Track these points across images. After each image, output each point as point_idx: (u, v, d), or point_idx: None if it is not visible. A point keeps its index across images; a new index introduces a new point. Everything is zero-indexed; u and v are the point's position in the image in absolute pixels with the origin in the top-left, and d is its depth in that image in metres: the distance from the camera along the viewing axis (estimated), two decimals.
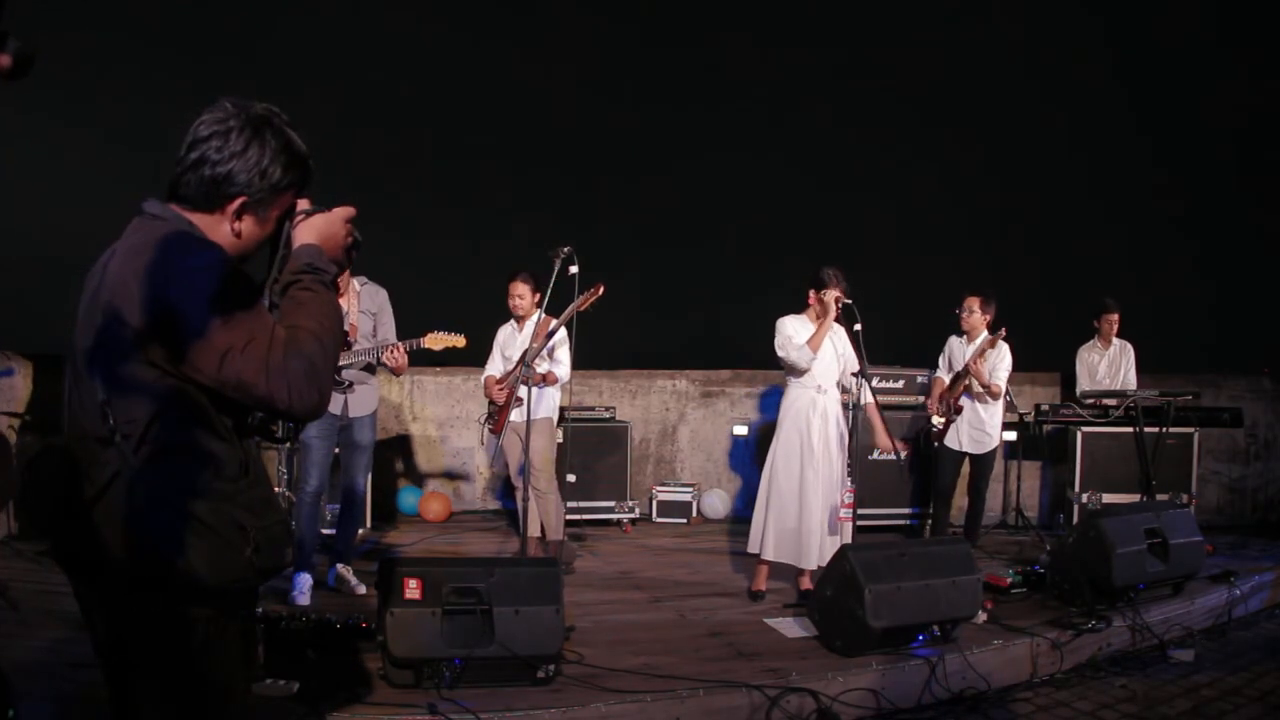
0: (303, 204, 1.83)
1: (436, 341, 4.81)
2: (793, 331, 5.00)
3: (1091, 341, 7.28)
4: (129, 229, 1.71)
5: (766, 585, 5.13)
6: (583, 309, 5.00)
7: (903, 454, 5.37)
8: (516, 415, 5.34)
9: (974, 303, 6.22)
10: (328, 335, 1.69)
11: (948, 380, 6.38)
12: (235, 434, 1.71)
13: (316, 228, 1.80)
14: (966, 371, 6.16)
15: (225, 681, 1.75)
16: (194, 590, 1.63)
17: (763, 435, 7.88)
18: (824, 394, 5.01)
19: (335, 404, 4.77)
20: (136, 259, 1.60)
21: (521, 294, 5.46)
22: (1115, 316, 7.15)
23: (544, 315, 5.26)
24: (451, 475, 7.66)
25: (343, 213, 1.85)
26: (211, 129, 1.69)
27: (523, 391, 4.92)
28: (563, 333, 5.30)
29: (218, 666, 1.72)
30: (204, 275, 1.58)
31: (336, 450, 4.97)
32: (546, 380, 5.28)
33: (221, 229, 1.72)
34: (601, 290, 4.96)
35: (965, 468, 6.39)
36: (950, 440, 6.28)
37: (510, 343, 5.68)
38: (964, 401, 6.24)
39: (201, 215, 1.71)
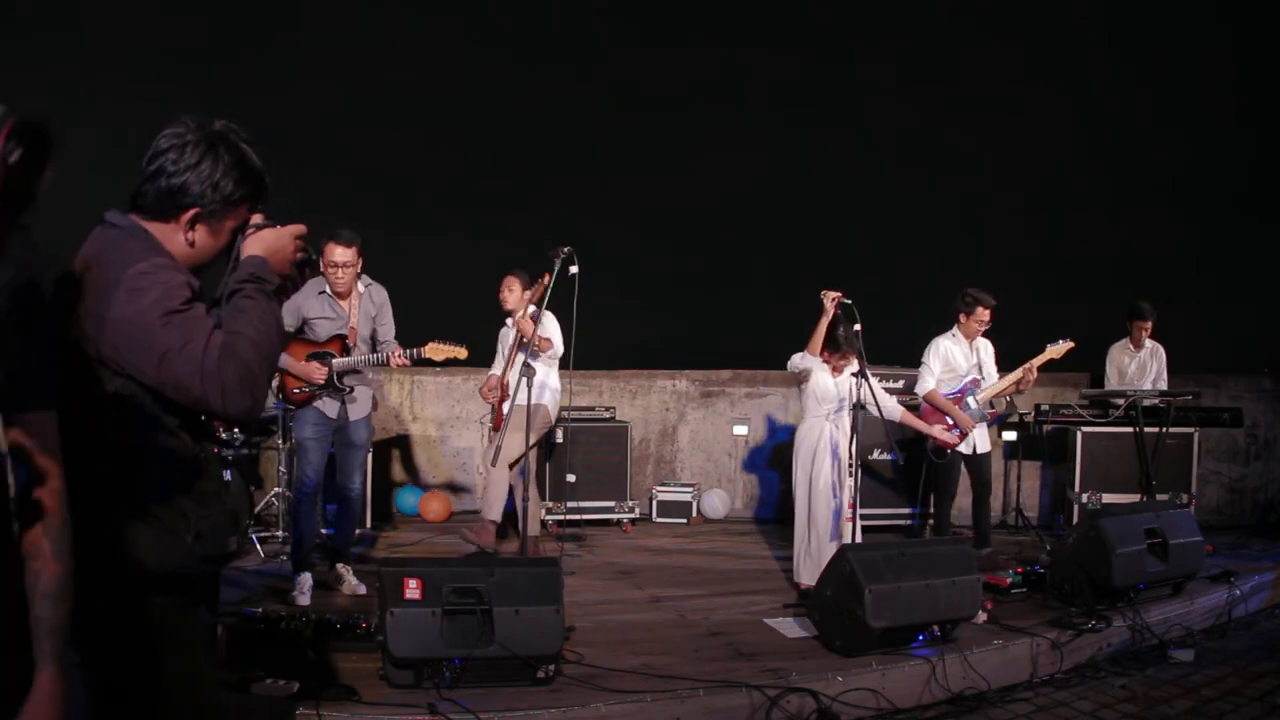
0: (256, 219, 1.90)
1: (437, 352, 4.84)
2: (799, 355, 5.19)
3: (1123, 342, 7.22)
4: (90, 237, 1.79)
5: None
6: (536, 299, 5.14)
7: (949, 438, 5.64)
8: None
9: (990, 313, 5.92)
10: (265, 342, 1.76)
11: (947, 386, 5.99)
12: (183, 431, 1.79)
13: (264, 240, 1.88)
14: (982, 374, 5.94)
15: (187, 669, 1.80)
16: (141, 578, 1.70)
17: (764, 436, 7.88)
18: (830, 421, 5.11)
19: (333, 409, 4.80)
20: (94, 268, 1.70)
21: (511, 287, 5.59)
22: (1149, 324, 7.03)
23: (530, 310, 5.40)
24: (451, 475, 7.66)
25: (292, 229, 1.93)
26: (170, 142, 1.79)
27: (513, 387, 4.92)
28: (551, 323, 5.40)
29: (177, 654, 1.78)
30: (146, 279, 1.67)
31: (333, 450, 4.98)
32: (540, 347, 5.24)
33: (176, 239, 1.81)
34: (547, 279, 4.96)
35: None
36: (963, 445, 5.98)
37: (505, 340, 5.81)
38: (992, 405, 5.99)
39: (158, 225, 1.80)
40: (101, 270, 1.68)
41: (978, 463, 5.99)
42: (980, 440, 6.01)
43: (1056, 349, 5.86)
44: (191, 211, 1.78)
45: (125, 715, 1.79)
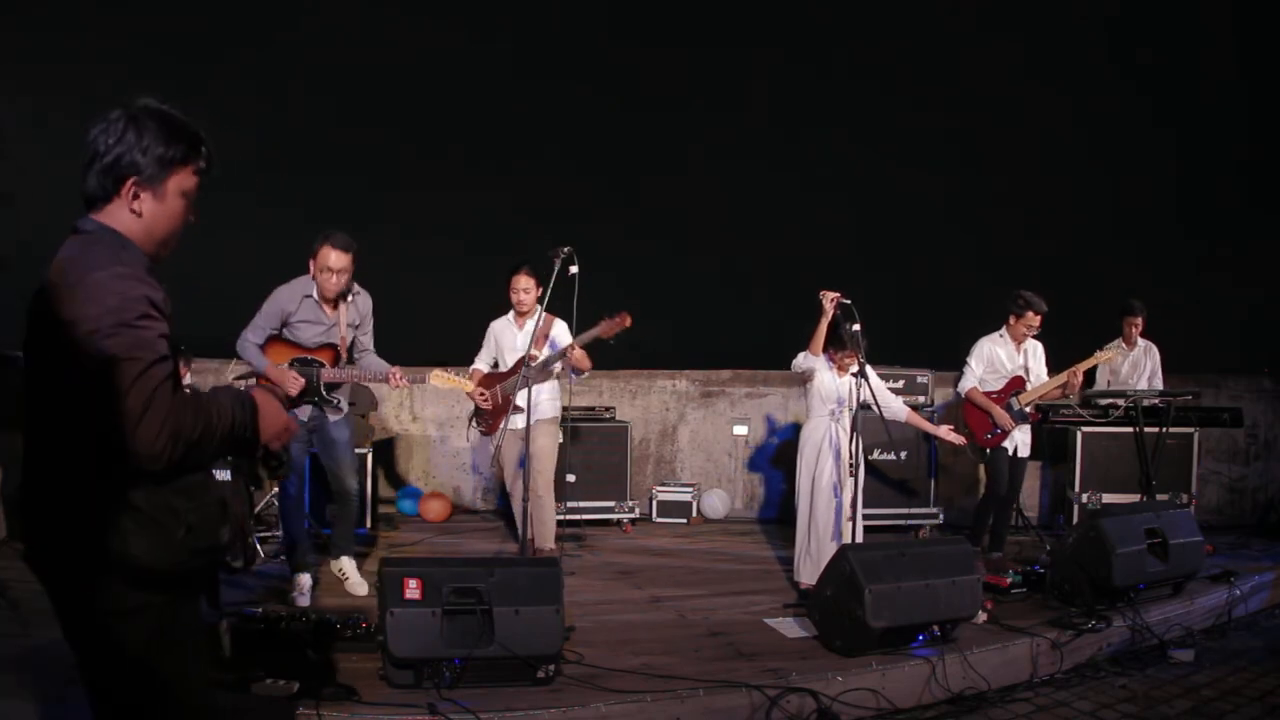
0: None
1: (441, 380, 4.76)
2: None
3: (1115, 342, 7.23)
4: (64, 245, 1.83)
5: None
6: (606, 337, 4.85)
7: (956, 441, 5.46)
8: (518, 420, 5.08)
9: (1040, 319, 5.81)
10: (212, 437, 1.76)
11: (999, 388, 5.87)
12: None
13: (268, 401, 1.92)
14: (1025, 376, 5.85)
15: (180, 667, 1.82)
16: (137, 575, 1.72)
17: (763, 436, 7.88)
18: (837, 421, 5.12)
19: (305, 413, 4.66)
20: (63, 274, 1.75)
21: (526, 288, 5.24)
22: (1139, 319, 7.05)
23: (545, 314, 5.06)
24: (451, 475, 7.66)
25: (289, 420, 1.98)
26: (97, 129, 1.85)
27: (521, 398, 4.77)
28: (566, 333, 5.17)
29: (171, 652, 1.80)
30: (102, 289, 1.69)
31: (316, 450, 4.88)
32: (580, 367, 5.01)
33: (124, 214, 1.85)
34: (629, 322, 4.77)
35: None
36: (1006, 444, 5.89)
37: (507, 338, 5.42)
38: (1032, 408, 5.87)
39: (109, 209, 1.84)
40: (67, 276, 1.73)
41: (1015, 466, 5.93)
42: (1022, 444, 5.94)
43: (1105, 354, 5.87)
44: (130, 181, 1.82)
45: (120, 715, 1.80)
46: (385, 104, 9.66)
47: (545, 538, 5.27)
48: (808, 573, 4.98)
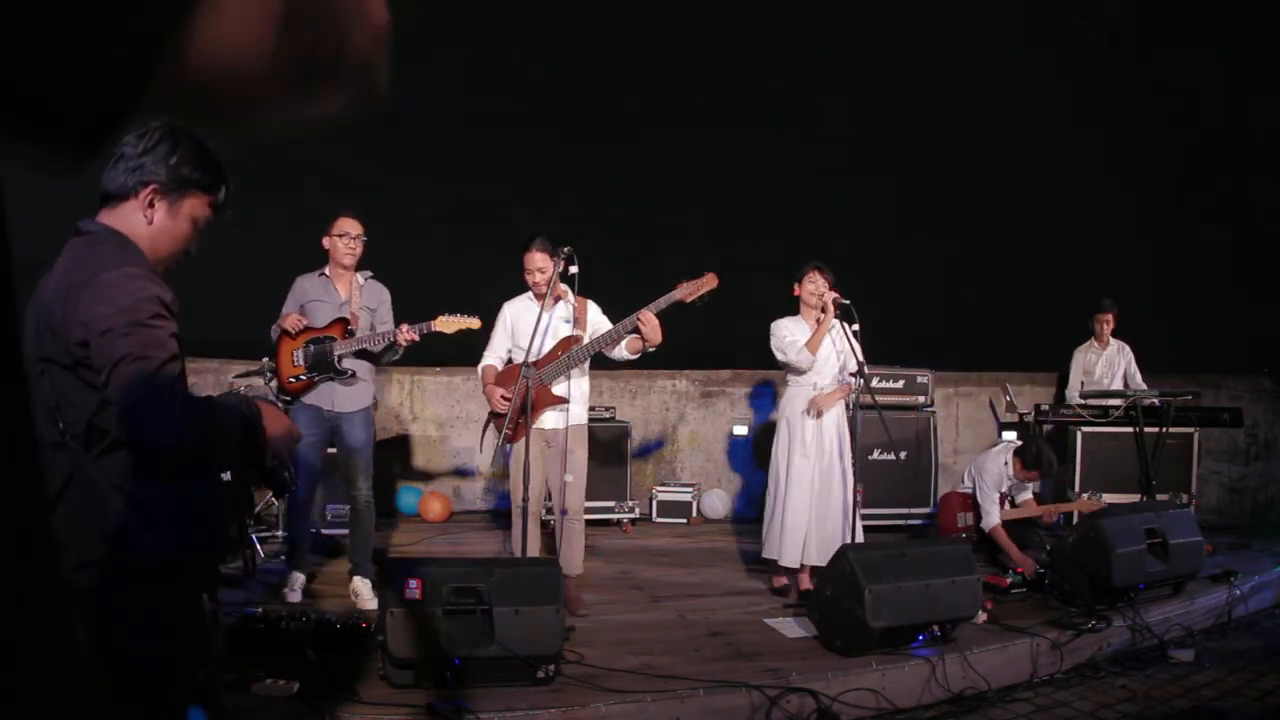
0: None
1: (448, 325, 4.51)
2: (788, 333, 5.07)
3: (1088, 342, 7.26)
4: (67, 246, 1.85)
5: (784, 582, 5.15)
6: (688, 301, 4.30)
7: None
8: (548, 419, 4.60)
9: (1040, 478, 5.72)
10: (223, 433, 1.80)
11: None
12: None
13: (274, 410, 1.98)
14: (1012, 495, 5.73)
15: (185, 664, 1.84)
16: (147, 573, 1.75)
17: (762, 435, 7.88)
18: (819, 391, 5.07)
19: (325, 398, 4.60)
20: (68, 274, 1.77)
21: (542, 266, 4.49)
22: (1109, 317, 7.10)
23: (578, 296, 4.54)
24: (451, 475, 7.66)
25: (294, 428, 2.02)
26: (135, 134, 1.88)
27: (560, 389, 4.47)
28: (602, 316, 4.72)
29: (178, 649, 1.82)
30: (113, 289, 1.72)
31: (332, 450, 4.84)
32: (651, 340, 4.31)
33: (136, 217, 1.87)
34: (715, 283, 4.25)
35: None
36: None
37: (528, 319, 4.51)
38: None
39: (121, 209, 1.86)
40: (74, 278, 1.75)
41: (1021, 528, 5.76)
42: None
43: (1084, 503, 5.98)
44: (150, 187, 1.85)
45: (133, 707, 1.80)
46: (385, 103, 9.67)
47: (575, 565, 4.67)
48: (770, 547, 5.01)
